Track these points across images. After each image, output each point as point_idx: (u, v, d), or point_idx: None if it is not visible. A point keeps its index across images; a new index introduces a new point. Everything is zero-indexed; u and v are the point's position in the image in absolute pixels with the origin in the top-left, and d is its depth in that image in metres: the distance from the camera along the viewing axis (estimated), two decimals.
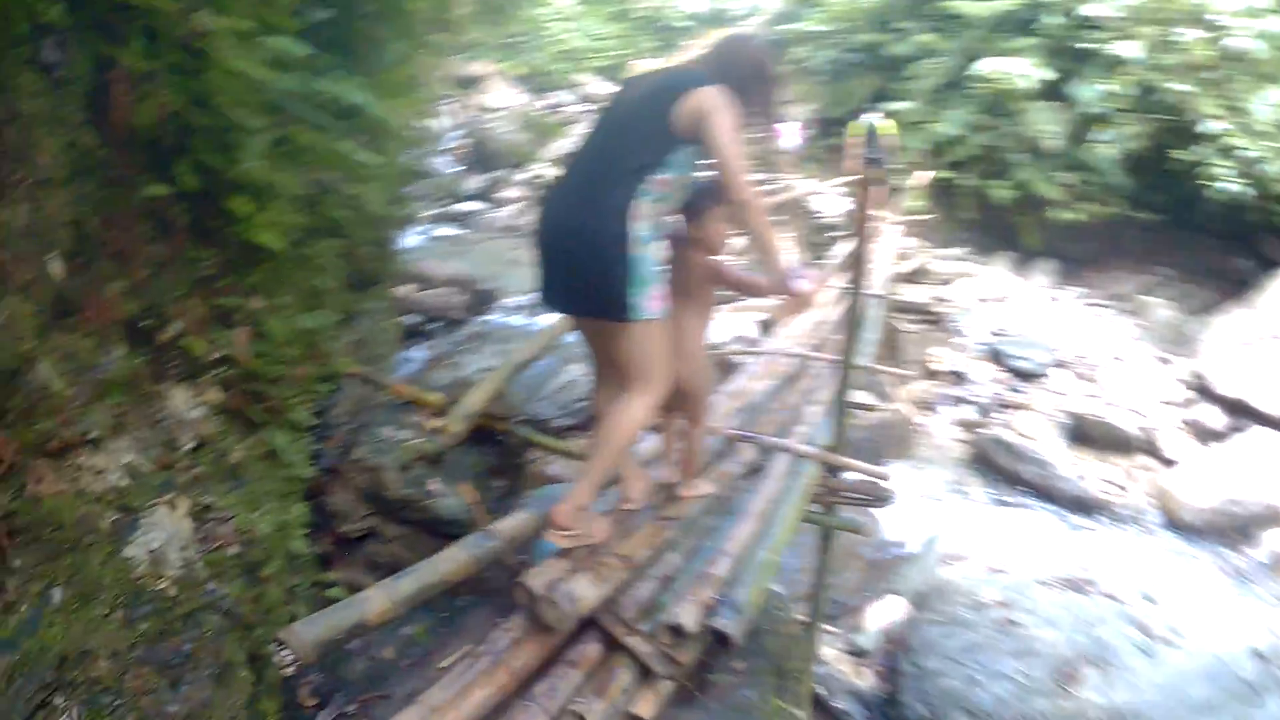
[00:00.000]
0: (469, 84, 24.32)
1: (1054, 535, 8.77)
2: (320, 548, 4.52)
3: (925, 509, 8.89)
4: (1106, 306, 14.74)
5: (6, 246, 2.49)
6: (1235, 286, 13.92)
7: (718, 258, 3.51)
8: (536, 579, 3.06)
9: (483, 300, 12.28)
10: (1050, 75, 14.34)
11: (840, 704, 6.17)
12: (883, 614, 7.11)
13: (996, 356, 12.56)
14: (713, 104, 2.98)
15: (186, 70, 3.09)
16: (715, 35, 3.52)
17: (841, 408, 4.72)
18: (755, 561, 3.43)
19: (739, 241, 3.48)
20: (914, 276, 13.87)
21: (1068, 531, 8.96)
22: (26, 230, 2.59)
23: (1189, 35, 13.17)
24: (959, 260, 16.21)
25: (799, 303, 3.41)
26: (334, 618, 2.68)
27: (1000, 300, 14.65)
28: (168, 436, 3.07)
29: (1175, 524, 9.22)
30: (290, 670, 2.49)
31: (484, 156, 21.55)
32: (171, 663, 2.70)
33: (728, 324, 9.25)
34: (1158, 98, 13.63)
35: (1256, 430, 10.50)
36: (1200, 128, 13.16)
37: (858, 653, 6.76)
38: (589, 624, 3.11)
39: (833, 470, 4.75)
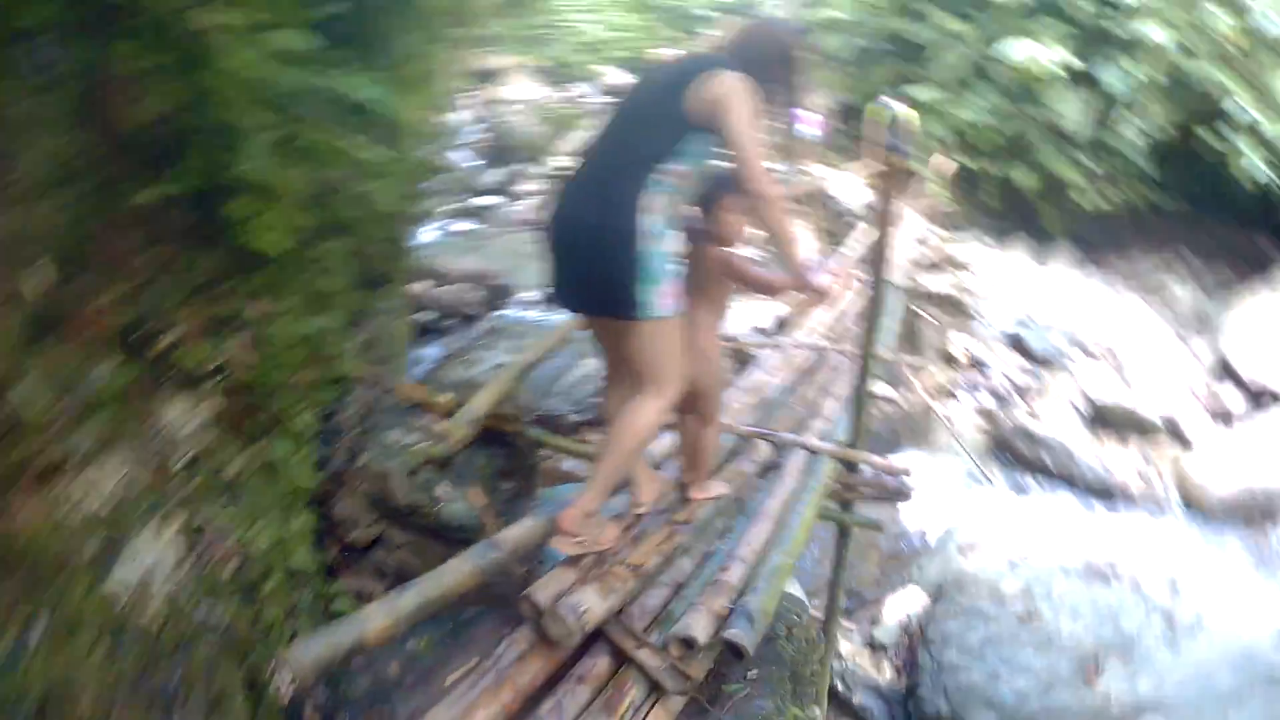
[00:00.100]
0: (488, 77, 24.30)
1: (1075, 522, 8.67)
2: (327, 556, 4.46)
3: (944, 498, 8.79)
4: (1126, 289, 14.60)
5: None
6: (1257, 269, 13.78)
7: (733, 251, 3.40)
8: (542, 591, 2.99)
9: (499, 295, 12.23)
10: (1076, 60, 14.18)
11: (859, 699, 6.11)
12: (901, 607, 7.04)
13: (1017, 343, 12.47)
14: (730, 90, 2.84)
15: (184, 69, 3.01)
16: (738, 21, 3.38)
17: (860, 401, 4.62)
18: (770, 567, 3.33)
19: (757, 234, 3.34)
20: (934, 264, 13.73)
21: (1089, 518, 8.87)
22: (12, 240, 2.52)
23: (1217, 18, 12.96)
24: (980, 247, 16.11)
25: (818, 298, 3.31)
26: (333, 638, 2.62)
27: (1020, 286, 14.55)
28: (161, 452, 2.99)
29: (1197, 508, 9.14)
30: (286, 700, 2.40)
31: (502, 150, 21.47)
32: (161, 695, 2.63)
33: (743, 315, 9.16)
34: (1185, 82, 13.44)
35: (1278, 412, 10.36)
36: (1228, 111, 12.96)
37: (876, 646, 6.69)
38: (597, 635, 3.03)
39: (851, 466, 4.67)
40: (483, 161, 21.33)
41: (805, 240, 13.31)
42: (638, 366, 3.09)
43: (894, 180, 3.95)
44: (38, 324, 2.53)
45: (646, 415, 3.09)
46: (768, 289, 3.48)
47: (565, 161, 19.08)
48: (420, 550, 4.73)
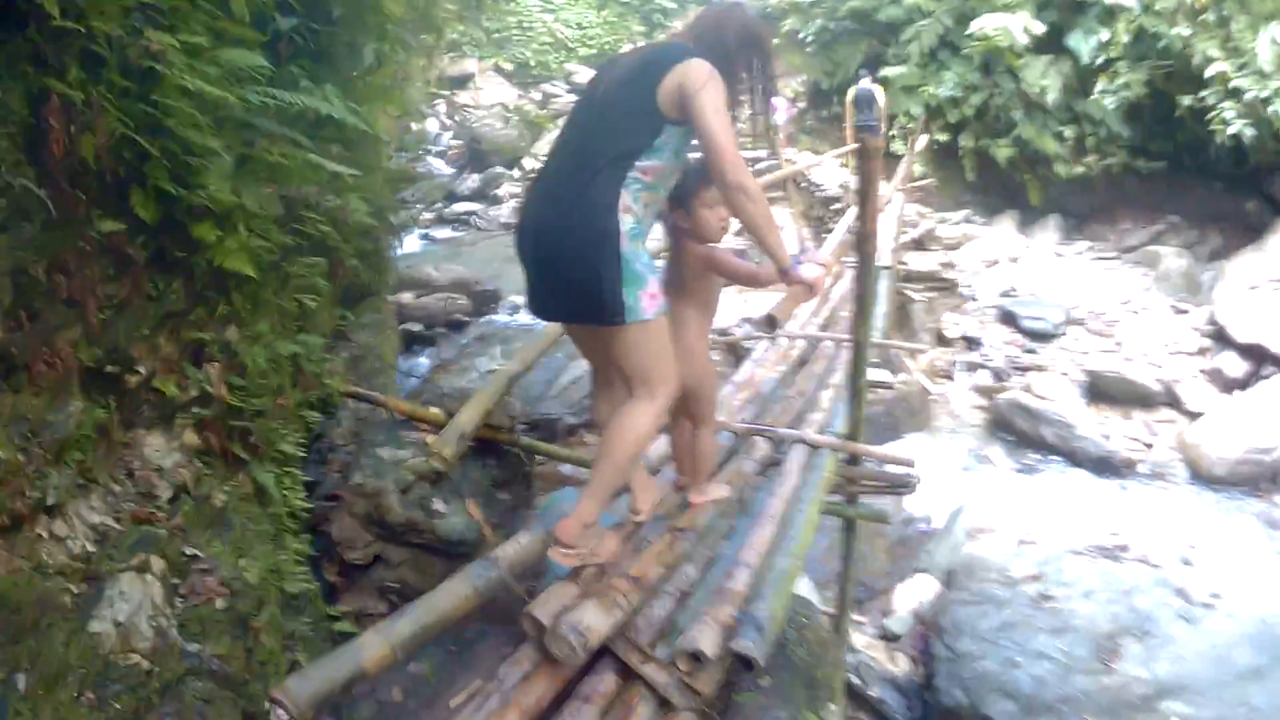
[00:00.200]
0: (458, 82, 24.24)
1: (1082, 499, 8.58)
2: (327, 579, 4.37)
3: (948, 481, 8.70)
4: (1116, 259, 14.57)
5: None
6: (1245, 230, 13.74)
7: (715, 246, 3.29)
8: (543, 608, 2.88)
9: (486, 301, 12.19)
10: (1044, 29, 14.15)
11: (875, 692, 6.01)
12: (912, 595, 6.94)
13: (1009, 319, 12.42)
14: (697, 77, 2.71)
15: (133, 94, 2.90)
16: (698, 8, 3.25)
17: (858, 390, 4.52)
18: (777, 571, 3.23)
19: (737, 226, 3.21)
20: (920, 244, 13.68)
21: (1095, 494, 8.77)
22: None
23: None
24: (964, 224, 16.07)
25: (806, 291, 3.16)
26: (329, 670, 2.51)
27: (1009, 261, 14.51)
28: (141, 488, 2.90)
29: (1203, 476, 9.06)
30: None
31: (478, 155, 21.49)
32: None
33: (733, 308, 9.08)
34: (1156, 44, 13.40)
35: (1278, 375, 10.28)
36: (1204, 70, 12.90)
37: (889, 638, 6.60)
38: (603, 651, 2.93)
39: (853, 458, 4.57)
40: (458, 168, 21.37)
41: (788, 230, 13.26)
42: (627, 372, 2.96)
43: (870, 160, 3.83)
44: None
45: (640, 421, 2.96)
46: (753, 282, 3.36)
47: (539, 163, 19.17)
48: (421, 566, 4.65)
